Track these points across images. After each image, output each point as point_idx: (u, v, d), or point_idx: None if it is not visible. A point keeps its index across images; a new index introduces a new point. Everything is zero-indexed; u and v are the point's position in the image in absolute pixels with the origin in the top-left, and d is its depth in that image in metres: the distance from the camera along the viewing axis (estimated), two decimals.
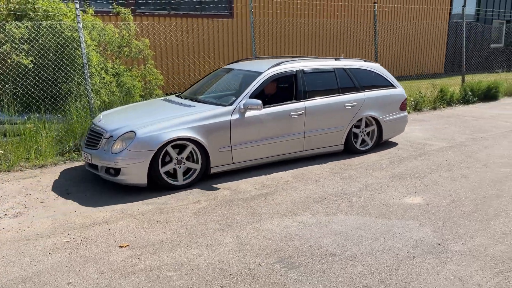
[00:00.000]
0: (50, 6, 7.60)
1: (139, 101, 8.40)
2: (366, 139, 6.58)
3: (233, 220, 4.20)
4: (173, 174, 5.05)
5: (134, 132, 4.86)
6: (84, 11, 8.51)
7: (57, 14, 7.62)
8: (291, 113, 5.74)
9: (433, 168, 5.74)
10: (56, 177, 5.50)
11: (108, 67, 8.11)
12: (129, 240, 3.81)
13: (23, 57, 7.07)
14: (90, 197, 4.84)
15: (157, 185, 4.97)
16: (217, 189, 5.04)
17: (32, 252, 3.60)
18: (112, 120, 5.37)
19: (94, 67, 7.63)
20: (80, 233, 3.95)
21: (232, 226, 4.05)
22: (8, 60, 7.07)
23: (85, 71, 6.67)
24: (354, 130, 6.42)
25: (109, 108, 7.00)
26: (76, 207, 4.55)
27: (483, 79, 12.33)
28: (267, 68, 5.82)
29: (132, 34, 8.63)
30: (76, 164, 6.09)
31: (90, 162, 5.11)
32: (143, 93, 8.56)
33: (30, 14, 7.58)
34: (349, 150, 6.43)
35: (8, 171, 5.78)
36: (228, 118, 5.27)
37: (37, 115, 6.92)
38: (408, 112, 9.33)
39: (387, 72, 6.96)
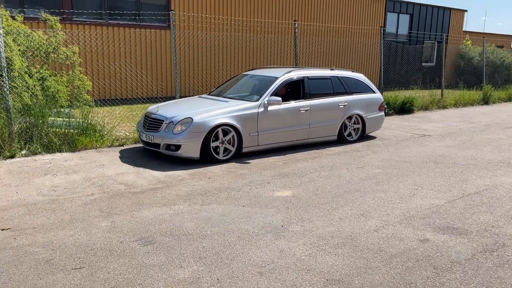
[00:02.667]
0: None
1: (65, 105, 8.79)
2: (352, 132, 8.38)
3: (116, 209, 4.70)
4: (215, 151, 6.64)
5: (191, 118, 6.46)
6: (13, 18, 8.84)
7: None
8: (300, 109, 7.44)
9: (317, 168, 6.46)
10: None
11: (33, 72, 8.45)
12: (13, 224, 4.24)
13: None
14: None
15: (205, 158, 6.55)
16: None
17: None
18: (167, 111, 6.89)
19: (17, 71, 7.96)
20: None
21: (112, 214, 4.56)
22: None
23: (4, 74, 7.01)
24: (346, 122, 8.18)
25: (32, 110, 7.37)
26: None
27: (411, 94, 13.38)
28: (282, 74, 7.54)
29: (59, 41, 9.01)
30: None
31: (152, 142, 6.64)
32: (68, 97, 8.93)
33: None
34: (340, 139, 8.21)
35: None
36: (256, 110, 6.92)
37: None
38: None
39: (369, 81, 8.82)
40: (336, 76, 8.24)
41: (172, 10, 8.97)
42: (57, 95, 8.60)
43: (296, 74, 7.71)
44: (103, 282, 3.19)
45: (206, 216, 4.50)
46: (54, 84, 8.65)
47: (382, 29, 12.89)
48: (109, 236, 3.99)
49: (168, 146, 6.50)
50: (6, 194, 5.09)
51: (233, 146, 6.78)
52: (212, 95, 8.03)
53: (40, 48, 8.80)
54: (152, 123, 6.83)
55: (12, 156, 6.69)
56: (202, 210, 4.69)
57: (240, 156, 6.99)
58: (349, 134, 8.36)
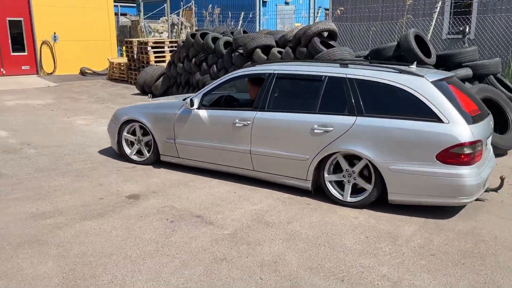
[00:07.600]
0: None
1: None
2: (360, 183, 4.43)
3: None
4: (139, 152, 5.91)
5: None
6: None
7: None
8: (236, 120, 4.94)
9: None
10: None
11: None
12: None
13: None
14: None
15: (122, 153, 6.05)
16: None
17: None
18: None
19: None
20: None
21: None
22: None
23: None
24: (330, 164, 4.54)
25: None
26: None
27: None
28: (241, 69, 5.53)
29: None
30: None
31: None
32: None
33: None
34: (318, 191, 4.69)
35: None
36: (174, 111, 5.46)
37: None
38: None
39: (440, 95, 4.13)
40: (353, 78, 4.46)
41: None
42: None
43: (256, 69, 5.22)
44: None
45: None
46: None
47: None
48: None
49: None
50: None
51: (149, 148, 5.77)
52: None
53: None
54: None
55: None
56: None
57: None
58: (354, 191, 4.47)
